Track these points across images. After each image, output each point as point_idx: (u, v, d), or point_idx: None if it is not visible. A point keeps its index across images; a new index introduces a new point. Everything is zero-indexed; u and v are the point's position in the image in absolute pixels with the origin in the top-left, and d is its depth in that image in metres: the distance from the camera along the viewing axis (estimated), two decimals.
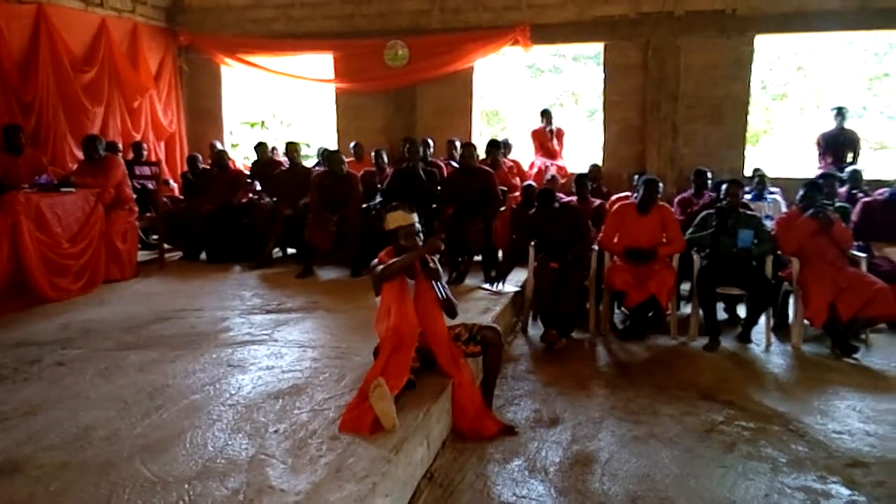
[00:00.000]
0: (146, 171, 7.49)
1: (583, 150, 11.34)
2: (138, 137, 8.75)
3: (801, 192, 5.23)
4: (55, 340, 4.31)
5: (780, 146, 13.29)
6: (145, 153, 8.24)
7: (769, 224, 5.51)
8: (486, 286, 5.76)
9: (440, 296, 3.41)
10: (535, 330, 5.31)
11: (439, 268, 3.48)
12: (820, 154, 7.60)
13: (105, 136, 7.47)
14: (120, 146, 8.06)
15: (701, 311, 5.10)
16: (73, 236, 5.61)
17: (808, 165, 8.54)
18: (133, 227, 6.42)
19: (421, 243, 3.45)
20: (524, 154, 8.89)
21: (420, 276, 3.44)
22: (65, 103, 7.67)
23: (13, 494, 2.46)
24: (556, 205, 5.39)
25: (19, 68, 7.22)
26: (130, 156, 8.04)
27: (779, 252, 5.19)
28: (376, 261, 3.48)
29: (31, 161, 6.18)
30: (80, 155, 6.88)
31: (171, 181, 8.74)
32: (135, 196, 6.60)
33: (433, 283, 3.42)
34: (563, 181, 7.58)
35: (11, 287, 5.00)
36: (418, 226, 3.46)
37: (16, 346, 4.19)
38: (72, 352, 4.09)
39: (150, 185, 7.24)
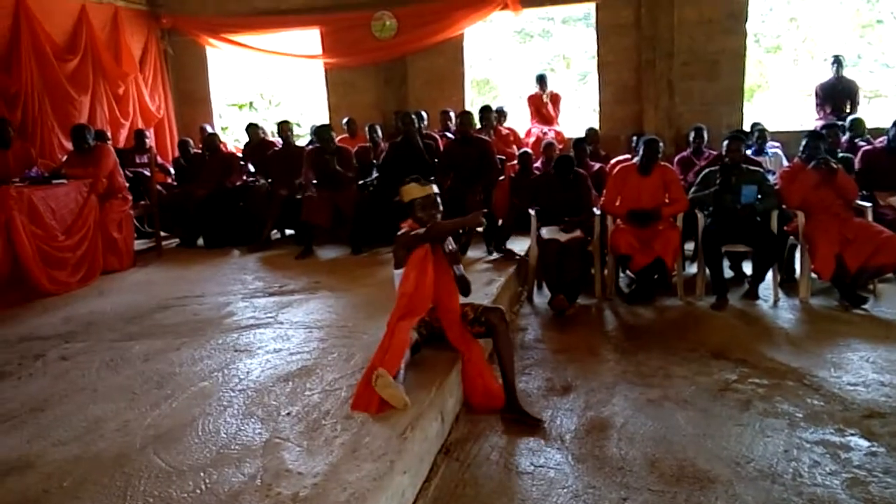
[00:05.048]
0: (146, 159, 7.40)
1: (577, 114, 11.22)
2: (127, 124, 8.62)
3: (803, 144, 5.16)
4: (58, 334, 4.27)
5: (775, 99, 13.15)
6: (148, 142, 8.08)
7: (771, 178, 5.45)
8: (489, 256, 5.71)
9: (457, 272, 3.42)
10: (541, 298, 5.27)
11: (458, 251, 3.46)
12: (818, 105, 7.49)
13: (93, 125, 7.33)
14: (109, 134, 7.95)
15: (707, 271, 5.06)
16: (68, 228, 5.53)
17: (806, 117, 8.43)
18: (128, 216, 6.33)
19: (439, 215, 3.43)
20: (520, 122, 8.78)
21: (440, 251, 3.40)
22: (50, 93, 7.53)
23: (26, 492, 2.41)
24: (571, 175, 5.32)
25: (1, 60, 7.07)
26: (132, 144, 7.95)
27: (783, 206, 5.13)
28: (401, 231, 3.41)
29: (21, 155, 6.08)
30: (69, 146, 6.78)
31: (170, 167, 8.65)
32: (128, 184, 6.50)
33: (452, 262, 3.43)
34: (560, 147, 7.49)
35: (10, 283, 4.95)
36: (438, 198, 3.44)
37: (19, 342, 4.14)
38: (75, 345, 4.04)
39: (147, 173, 7.14)
